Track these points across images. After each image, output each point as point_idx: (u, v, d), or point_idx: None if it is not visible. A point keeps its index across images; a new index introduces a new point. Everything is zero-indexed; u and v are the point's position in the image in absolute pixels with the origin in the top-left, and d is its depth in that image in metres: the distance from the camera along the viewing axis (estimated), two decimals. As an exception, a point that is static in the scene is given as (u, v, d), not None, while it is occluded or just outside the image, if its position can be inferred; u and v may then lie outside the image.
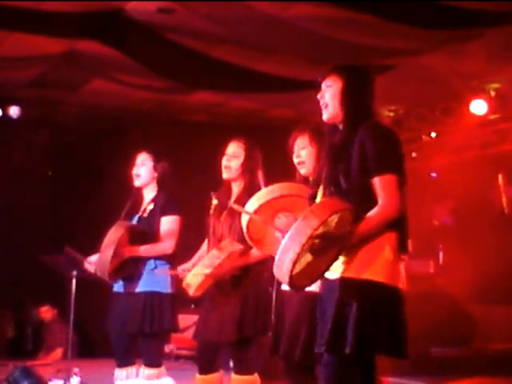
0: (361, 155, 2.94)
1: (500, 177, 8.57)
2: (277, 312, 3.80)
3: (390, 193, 2.90)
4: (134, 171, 4.79)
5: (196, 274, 4.09)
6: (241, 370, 4.12)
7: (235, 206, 3.68)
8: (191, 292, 4.13)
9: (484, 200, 8.56)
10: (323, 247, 2.79)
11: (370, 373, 2.97)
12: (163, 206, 4.67)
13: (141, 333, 4.54)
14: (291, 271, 2.73)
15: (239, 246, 4.02)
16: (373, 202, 2.90)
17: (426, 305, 7.05)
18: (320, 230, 2.74)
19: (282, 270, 2.76)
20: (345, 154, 3.00)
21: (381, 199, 2.90)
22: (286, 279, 2.77)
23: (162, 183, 4.79)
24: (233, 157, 4.23)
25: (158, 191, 4.78)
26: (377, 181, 2.91)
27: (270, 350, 3.72)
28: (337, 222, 2.79)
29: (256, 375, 4.16)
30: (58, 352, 8.05)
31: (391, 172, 2.92)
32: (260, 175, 4.22)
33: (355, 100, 3.06)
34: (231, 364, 6.89)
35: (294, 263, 2.72)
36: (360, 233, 2.86)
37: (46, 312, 8.35)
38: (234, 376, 4.14)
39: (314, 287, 3.07)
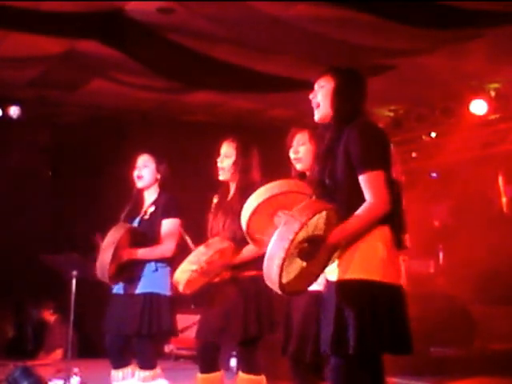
0: (346, 154, 2.95)
1: (500, 177, 8.57)
2: (285, 313, 3.80)
3: (379, 189, 2.89)
4: (136, 173, 4.75)
5: (183, 270, 4.10)
6: (248, 369, 4.11)
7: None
8: (180, 288, 4.14)
9: (484, 200, 8.57)
10: (312, 250, 2.79)
11: (378, 374, 2.96)
12: (164, 208, 4.66)
13: (138, 334, 4.52)
14: (280, 277, 2.72)
15: (227, 244, 4.03)
16: (361, 200, 2.89)
17: (426, 305, 7.04)
18: (304, 233, 2.74)
19: (271, 276, 2.75)
20: (331, 154, 3.01)
21: (369, 196, 2.89)
22: (276, 286, 2.76)
23: (163, 185, 4.78)
24: (225, 157, 4.26)
25: (160, 193, 4.76)
26: (364, 178, 2.91)
27: (281, 351, 3.72)
28: (325, 224, 2.79)
29: (263, 376, 4.15)
30: (58, 353, 8.05)
31: (378, 168, 2.92)
32: (256, 173, 4.21)
33: (345, 101, 3.07)
34: (231, 364, 6.93)
35: (281, 269, 2.71)
36: (350, 231, 2.85)
37: (49, 316, 8.35)
38: (241, 374, 4.13)
39: (322, 286, 3.07)
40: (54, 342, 8.18)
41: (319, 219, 2.78)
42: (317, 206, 2.82)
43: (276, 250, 2.71)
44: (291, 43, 6.54)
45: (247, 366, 4.12)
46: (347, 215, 2.86)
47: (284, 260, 2.69)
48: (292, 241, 2.69)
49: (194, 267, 4.04)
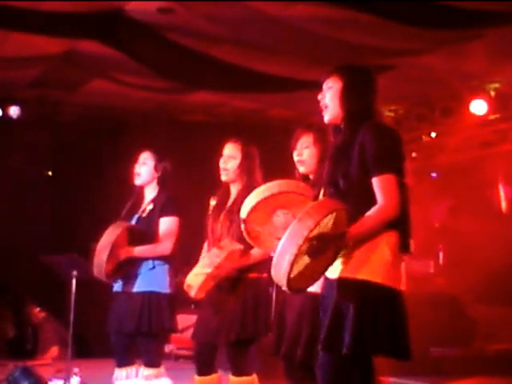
0: (360, 155, 2.93)
1: (500, 177, 8.57)
2: (278, 313, 3.79)
3: (390, 193, 2.89)
4: (136, 169, 4.79)
5: (197, 273, 4.07)
6: (238, 371, 4.10)
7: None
8: (193, 294, 4.10)
9: (484, 200, 8.56)
10: (320, 248, 2.77)
11: (368, 373, 2.95)
12: (162, 206, 4.66)
13: (139, 333, 4.53)
14: (289, 273, 2.72)
15: (239, 246, 4.01)
16: (372, 203, 2.89)
17: (426, 305, 7.04)
18: (316, 231, 2.73)
19: (280, 272, 2.75)
20: (344, 155, 2.99)
21: (380, 199, 2.88)
22: (284, 282, 2.75)
23: (162, 183, 4.78)
24: (229, 158, 4.22)
25: (159, 191, 4.77)
26: (376, 181, 2.90)
27: (271, 351, 3.71)
28: (333, 223, 2.79)
29: (254, 376, 4.14)
30: (54, 350, 8.08)
31: (391, 172, 2.91)
32: (258, 175, 4.21)
33: (355, 100, 3.05)
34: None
35: (292, 265, 2.70)
36: (358, 233, 2.85)
37: (37, 314, 8.39)
38: (231, 377, 4.13)
39: (316, 288, 3.07)
40: (47, 340, 8.21)
41: (330, 218, 2.78)
42: (331, 205, 2.82)
43: (288, 247, 2.70)
44: (291, 43, 6.54)
45: (236, 368, 4.11)
46: (357, 216, 2.86)
47: (296, 256, 2.69)
48: (306, 238, 2.69)
49: (209, 270, 4.01)
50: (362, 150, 2.93)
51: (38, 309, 8.37)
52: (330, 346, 2.86)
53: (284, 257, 2.71)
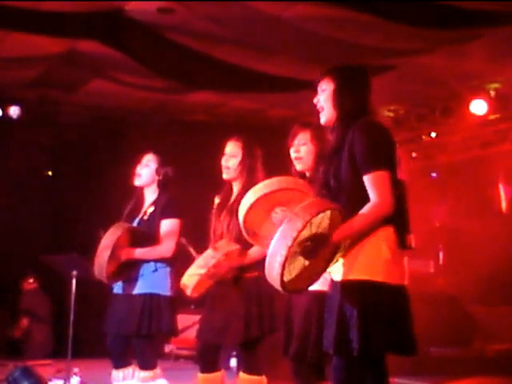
0: (350, 154, 2.92)
1: (500, 177, 8.58)
2: (285, 313, 3.79)
3: (383, 189, 2.86)
4: (137, 170, 4.78)
5: (191, 274, 4.08)
6: (249, 369, 4.10)
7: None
8: (188, 292, 4.11)
9: (484, 200, 8.57)
10: (315, 249, 2.77)
11: (382, 374, 2.95)
12: (163, 208, 4.65)
13: (138, 335, 4.51)
14: (281, 275, 2.72)
15: (236, 246, 4.01)
16: (365, 201, 2.88)
17: (426, 305, 7.04)
18: (307, 232, 2.73)
19: (273, 274, 2.74)
20: (337, 155, 2.99)
21: (373, 196, 2.86)
22: (278, 283, 2.75)
23: (163, 186, 4.77)
24: (231, 156, 4.23)
25: (159, 194, 4.76)
26: (368, 178, 2.88)
27: (282, 351, 3.71)
28: (329, 223, 2.78)
29: (264, 377, 4.14)
30: (24, 322, 8.33)
31: (383, 168, 2.89)
32: (261, 173, 4.20)
33: (348, 101, 3.04)
34: (231, 363, 6.93)
35: (283, 266, 2.70)
36: (353, 230, 2.84)
37: (28, 285, 8.48)
38: (242, 375, 4.12)
39: (321, 286, 3.06)
40: (24, 308, 8.33)
41: (323, 218, 2.77)
42: (321, 204, 2.81)
43: (278, 248, 2.70)
44: (291, 43, 6.54)
45: (248, 366, 4.12)
46: (351, 216, 2.85)
47: (286, 258, 2.68)
48: (295, 239, 2.68)
49: (203, 271, 4.01)
50: (351, 149, 2.92)
51: (31, 280, 8.46)
52: (340, 350, 2.86)
53: (275, 258, 2.71)
